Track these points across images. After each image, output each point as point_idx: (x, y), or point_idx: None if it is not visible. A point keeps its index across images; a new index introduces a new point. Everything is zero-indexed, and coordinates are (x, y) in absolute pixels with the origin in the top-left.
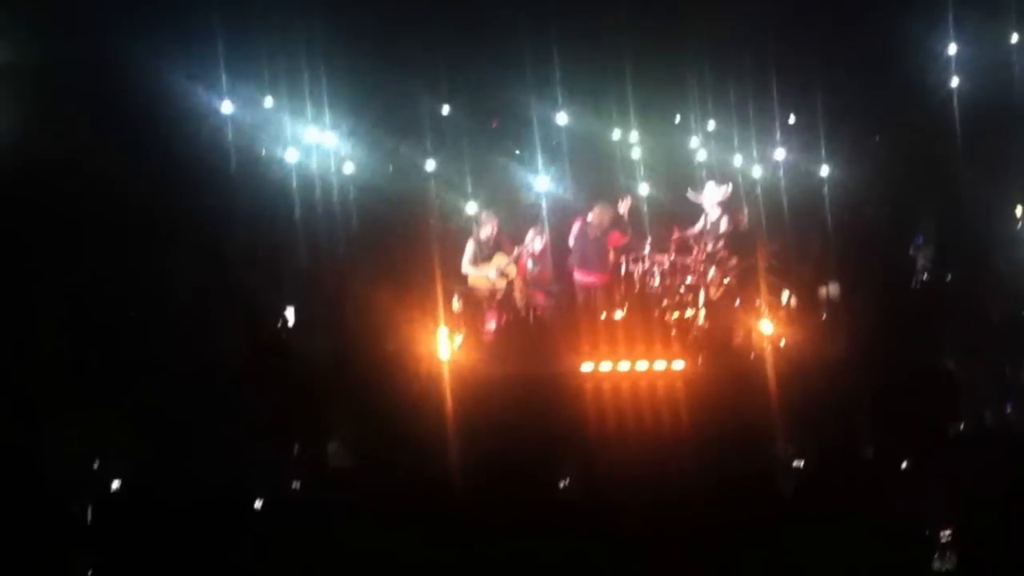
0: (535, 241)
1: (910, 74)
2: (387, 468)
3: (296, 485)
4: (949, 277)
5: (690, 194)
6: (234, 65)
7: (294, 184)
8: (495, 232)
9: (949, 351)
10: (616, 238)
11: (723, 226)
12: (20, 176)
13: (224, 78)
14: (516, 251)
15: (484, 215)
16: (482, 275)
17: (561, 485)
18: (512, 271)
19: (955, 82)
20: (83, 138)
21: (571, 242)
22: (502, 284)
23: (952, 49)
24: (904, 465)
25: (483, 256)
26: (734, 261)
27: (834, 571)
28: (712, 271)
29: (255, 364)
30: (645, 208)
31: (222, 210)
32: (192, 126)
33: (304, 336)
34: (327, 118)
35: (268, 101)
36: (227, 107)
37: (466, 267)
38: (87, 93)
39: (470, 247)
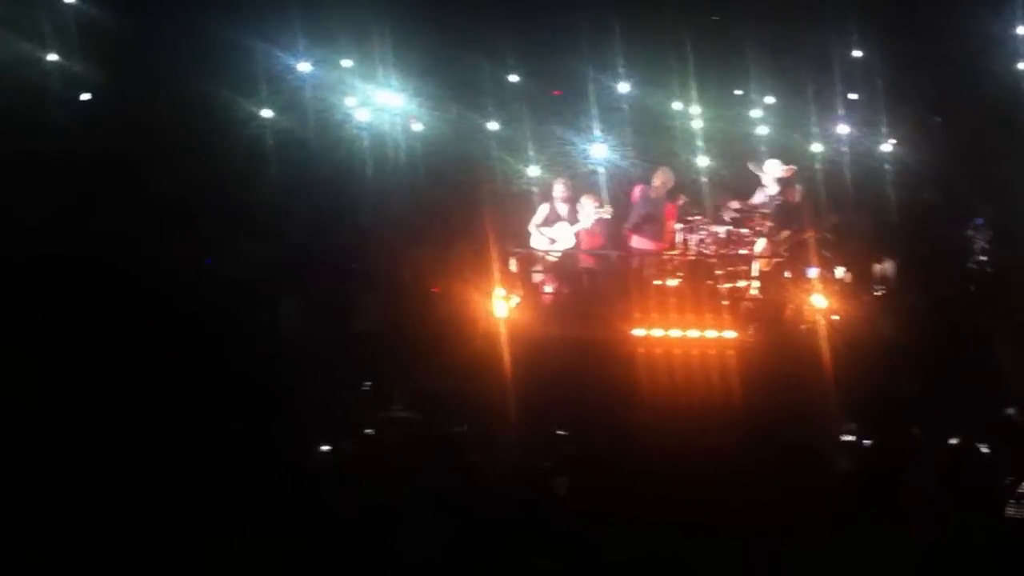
0: (595, 211)
1: (976, 55)
2: (440, 420)
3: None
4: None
5: (751, 165)
6: (310, 28)
7: (365, 144)
8: (566, 201)
9: (996, 333)
10: (671, 210)
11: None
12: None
13: (301, 41)
14: (577, 225)
15: (559, 181)
16: (543, 239)
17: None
18: (570, 242)
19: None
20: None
21: (632, 207)
22: (558, 253)
23: (1020, 31)
24: (953, 442)
25: (549, 222)
26: (785, 234)
27: (881, 540)
28: (762, 243)
29: (321, 323)
30: (703, 179)
31: (297, 169)
32: (271, 86)
33: (366, 294)
34: (395, 81)
35: (342, 63)
36: (305, 67)
37: (531, 228)
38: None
39: (542, 210)
